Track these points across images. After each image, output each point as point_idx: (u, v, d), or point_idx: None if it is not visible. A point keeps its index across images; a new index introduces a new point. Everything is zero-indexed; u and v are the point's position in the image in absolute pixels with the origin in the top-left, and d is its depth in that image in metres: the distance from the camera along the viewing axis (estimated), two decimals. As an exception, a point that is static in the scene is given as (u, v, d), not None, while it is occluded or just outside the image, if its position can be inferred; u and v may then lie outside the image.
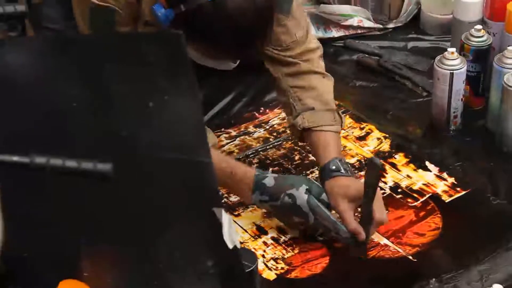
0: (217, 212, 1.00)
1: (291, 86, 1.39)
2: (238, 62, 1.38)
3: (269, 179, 1.29)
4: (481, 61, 1.55)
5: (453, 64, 1.49)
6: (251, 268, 1.09)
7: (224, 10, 1.13)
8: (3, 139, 0.95)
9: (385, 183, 1.43)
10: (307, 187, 1.28)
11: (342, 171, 1.30)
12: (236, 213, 1.37)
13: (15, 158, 0.82)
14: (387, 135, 1.55)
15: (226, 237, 0.99)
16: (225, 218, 1.00)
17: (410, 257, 1.29)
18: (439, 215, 1.36)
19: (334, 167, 1.31)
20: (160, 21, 1.16)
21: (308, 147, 1.48)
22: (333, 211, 1.29)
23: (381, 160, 1.46)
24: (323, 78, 1.41)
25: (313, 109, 1.37)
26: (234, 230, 1.03)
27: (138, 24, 1.29)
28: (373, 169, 1.23)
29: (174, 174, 1.03)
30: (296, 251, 1.30)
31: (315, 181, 1.32)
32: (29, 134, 1.00)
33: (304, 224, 1.31)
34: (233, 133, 1.57)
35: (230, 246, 0.99)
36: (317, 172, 1.44)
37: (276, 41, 1.38)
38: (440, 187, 1.43)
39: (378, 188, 1.26)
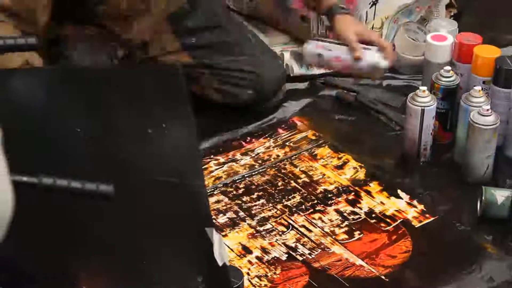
0: (209, 232, 1.02)
1: None
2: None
3: None
4: (450, 99, 1.58)
5: (424, 101, 1.52)
6: (238, 285, 1.13)
7: None
8: (12, 161, 1.01)
9: (361, 208, 1.47)
10: None
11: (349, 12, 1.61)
12: (223, 233, 1.40)
13: (25, 178, 0.82)
14: (362, 165, 1.58)
15: (216, 255, 1.01)
16: (216, 237, 1.02)
17: (383, 277, 1.33)
18: (410, 239, 1.40)
19: (342, 8, 1.61)
20: None
21: (289, 175, 1.56)
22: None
23: (357, 187, 1.54)
24: None
25: None
26: (224, 249, 1.05)
27: None
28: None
29: (168, 196, 1.04)
30: (278, 269, 1.34)
31: None
32: (36, 158, 1.00)
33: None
34: (222, 160, 1.61)
35: (220, 263, 1.01)
36: (298, 197, 1.50)
37: None
38: (411, 213, 1.46)
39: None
